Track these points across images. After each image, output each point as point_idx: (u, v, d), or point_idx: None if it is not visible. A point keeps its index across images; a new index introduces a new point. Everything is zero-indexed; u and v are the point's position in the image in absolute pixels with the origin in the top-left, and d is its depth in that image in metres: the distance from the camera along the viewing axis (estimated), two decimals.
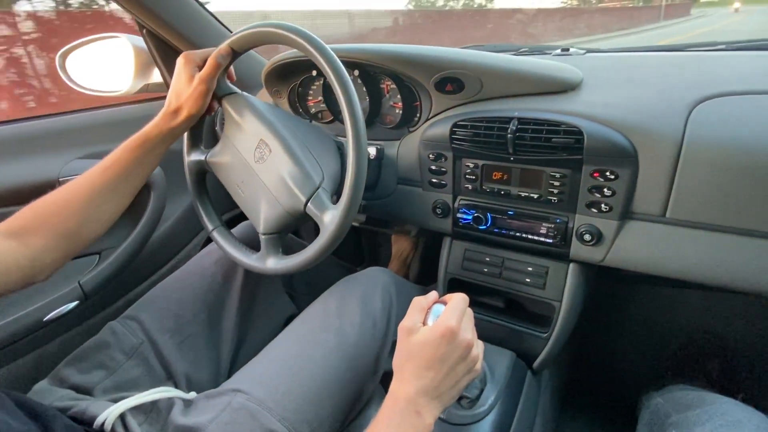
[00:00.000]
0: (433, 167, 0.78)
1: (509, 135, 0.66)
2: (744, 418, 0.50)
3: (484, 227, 0.76)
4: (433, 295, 0.54)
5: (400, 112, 0.82)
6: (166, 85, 0.98)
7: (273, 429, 0.53)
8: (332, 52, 0.57)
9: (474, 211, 0.76)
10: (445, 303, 0.52)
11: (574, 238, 0.69)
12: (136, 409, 0.55)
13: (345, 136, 0.57)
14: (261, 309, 0.81)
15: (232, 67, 0.69)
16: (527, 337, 0.78)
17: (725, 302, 1.01)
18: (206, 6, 0.98)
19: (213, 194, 0.77)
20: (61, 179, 0.82)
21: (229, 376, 0.66)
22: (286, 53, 0.85)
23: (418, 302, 0.53)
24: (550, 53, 0.94)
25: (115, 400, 0.55)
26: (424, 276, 1.24)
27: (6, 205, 0.76)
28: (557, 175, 0.67)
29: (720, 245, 0.58)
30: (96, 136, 0.92)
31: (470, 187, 0.76)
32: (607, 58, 0.90)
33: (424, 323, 0.50)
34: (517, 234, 0.74)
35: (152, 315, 0.69)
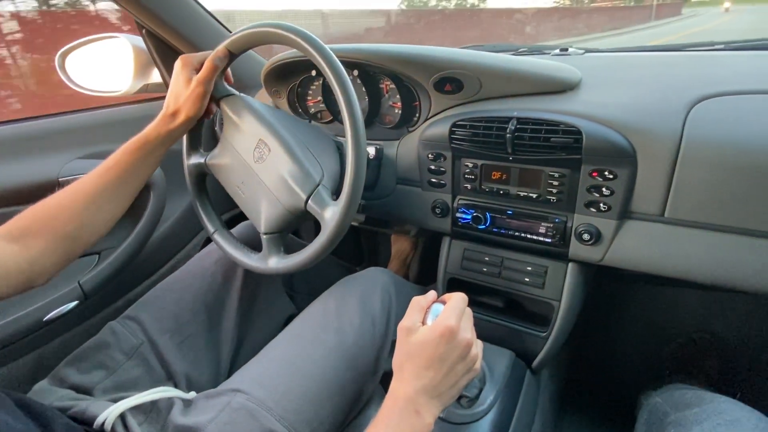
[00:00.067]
0: (432, 167, 0.78)
1: (508, 135, 0.66)
2: (742, 417, 0.50)
3: (483, 227, 0.76)
4: (432, 294, 0.54)
5: (399, 112, 0.82)
6: (166, 85, 0.98)
7: (272, 429, 0.53)
8: (331, 52, 0.57)
9: (473, 211, 0.76)
10: (444, 302, 0.52)
11: (573, 238, 0.69)
12: (136, 409, 0.55)
13: (344, 136, 0.58)
14: (261, 309, 0.81)
15: (229, 70, 0.69)
16: (526, 336, 0.78)
17: (724, 301, 1.01)
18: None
19: (212, 195, 0.77)
20: (61, 179, 0.82)
21: (228, 376, 0.66)
22: (286, 53, 0.85)
23: (417, 302, 0.53)
24: (549, 53, 0.94)
25: (115, 400, 0.55)
26: (424, 276, 1.24)
27: (6, 205, 0.76)
28: (556, 175, 0.67)
29: (718, 245, 0.58)
30: (96, 136, 0.92)
31: (469, 186, 0.76)
32: (606, 58, 0.90)
33: (424, 323, 0.51)
34: (516, 233, 0.74)
35: (152, 315, 0.69)
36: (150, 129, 0.64)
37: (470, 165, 0.74)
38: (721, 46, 0.87)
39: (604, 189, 0.63)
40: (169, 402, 0.57)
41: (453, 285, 0.84)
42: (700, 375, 0.97)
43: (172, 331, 0.69)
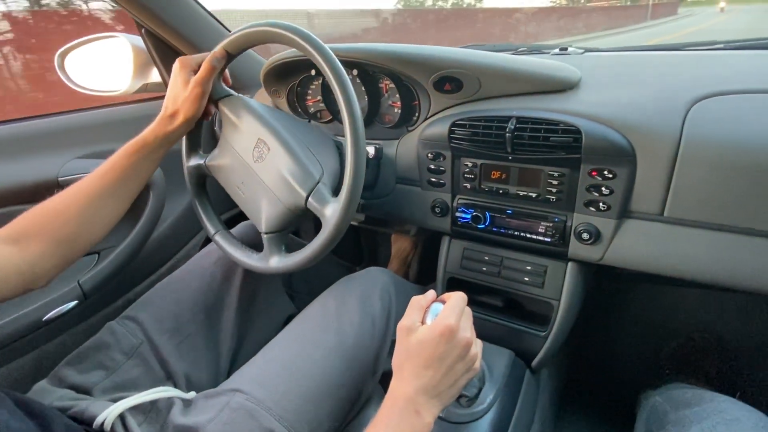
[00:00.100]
0: (432, 166, 0.78)
1: (508, 134, 0.66)
2: (742, 416, 0.50)
3: (483, 226, 0.76)
4: (432, 293, 0.54)
5: (399, 111, 0.82)
6: (165, 84, 0.98)
7: (272, 429, 0.53)
8: (331, 52, 0.57)
9: (473, 210, 0.76)
10: (443, 302, 0.52)
11: (572, 237, 0.69)
12: (136, 409, 0.55)
13: (344, 136, 0.58)
14: (260, 309, 0.81)
15: (227, 70, 0.69)
16: (526, 335, 0.78)
17: (723, 301, 1.01)
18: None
19: (212, 195, 0.77)
20: (60, 179, 0.82)
21: (228, 375, 0.66)
22: (285, 53, 0.85)
23: (417, 301, 0.53)
24: (549, 52, 0.94)
25: (115, 400, 0.55)
26: (424, 275, 1.24)
27: (6, 205, 0.76)
28: (555, 174, 0.67)
29: (718, 244, 0.58)
30: (95, 135, 0.92)
31: (469, 186, 0.76)
32: (606, 57, 0.90)
33: (423, 322, 0.51)
34: (516, 233, 0.74)
35: (151, 315, 0.69)
36: (148, 131, 0.64)
37: (470, 164, 0.74)
38: (721, 46, 0.87)
39: (603, 188, 0.63)
40: (169, 402, 0.57)
41: (452, 284, 0.84)
42: (699, 374, 0.97)
43: (171, 331, 0.69)
